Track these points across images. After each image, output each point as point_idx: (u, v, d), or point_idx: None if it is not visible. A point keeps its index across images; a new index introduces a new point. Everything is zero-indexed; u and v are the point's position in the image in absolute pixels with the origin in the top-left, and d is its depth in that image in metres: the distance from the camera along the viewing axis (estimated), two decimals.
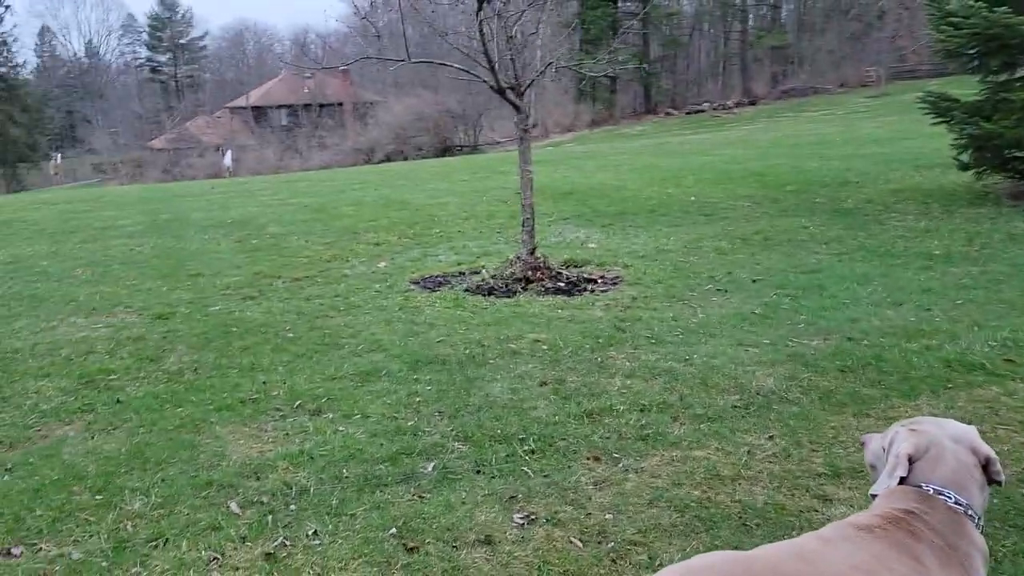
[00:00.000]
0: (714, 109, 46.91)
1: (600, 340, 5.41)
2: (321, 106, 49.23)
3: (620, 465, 3.69)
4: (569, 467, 3.69)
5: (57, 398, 4.70)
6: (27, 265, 8.81)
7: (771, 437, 3.91)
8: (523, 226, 7.06)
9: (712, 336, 5.42)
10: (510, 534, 3.17)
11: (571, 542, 3.10)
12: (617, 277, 7.24)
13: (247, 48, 73.57)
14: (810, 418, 4.07)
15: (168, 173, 41.81)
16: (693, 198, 11.64)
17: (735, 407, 4.27)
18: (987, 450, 2.00)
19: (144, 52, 73.96)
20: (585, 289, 6.83)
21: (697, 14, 58.56)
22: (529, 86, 6.69)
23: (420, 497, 3.46)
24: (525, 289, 6.79)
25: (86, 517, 3.36)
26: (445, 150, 41.35)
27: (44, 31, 68.59)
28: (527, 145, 7.04)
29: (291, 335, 5.77)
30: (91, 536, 3.22)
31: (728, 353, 5.05)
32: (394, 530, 3.19)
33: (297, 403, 4.50)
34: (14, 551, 3.15)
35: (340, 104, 49.68)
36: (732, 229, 9.15)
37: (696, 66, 58.43)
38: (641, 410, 4.26)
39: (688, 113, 47.97)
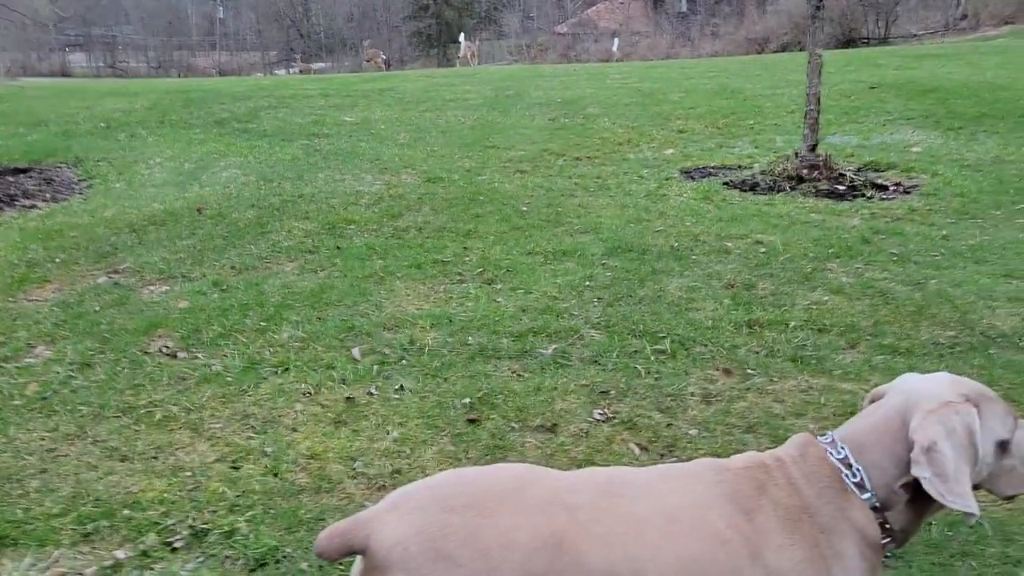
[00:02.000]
0: None
1: (831, 250, 4.71)
2: None
3: (747, 383, 3.26)
4: (687, 373, 3.34)
5: (299, 238, 5.30)
6: (367, 127, 9.87)
7: None
8: (805, 119, 6.26)
9: (978, 263, 4.44)
10: (576, 427, 2.99)
11: (629, 447, 2.85)
12: (915, 186, 6.16)
13: None
14: None
15: (565, 57, 43.44)
16: None
17: (937, 344, 3.50)
18: (924, 433, 1.39)
19: None
20: (863, 195, 5.93)
21: None
22: None
23: (517, 375, 3.39)
24: (793, 188, 6.09)
25: (243, 339, 3.81)
26: (849, 42, 37.51)
27: None
28: (818, 26, 6.13)
29: (524, 209, 5.83)
30: (237, 355, 3.65)
31: (981, 283, 4.12)
32: (468, 400, 3.18)
33: (480, 270, 4.59)
34: (179, 355, 3.70)
35: None
36: None
37: None
38: (818, 330, 3.68)
39: None
